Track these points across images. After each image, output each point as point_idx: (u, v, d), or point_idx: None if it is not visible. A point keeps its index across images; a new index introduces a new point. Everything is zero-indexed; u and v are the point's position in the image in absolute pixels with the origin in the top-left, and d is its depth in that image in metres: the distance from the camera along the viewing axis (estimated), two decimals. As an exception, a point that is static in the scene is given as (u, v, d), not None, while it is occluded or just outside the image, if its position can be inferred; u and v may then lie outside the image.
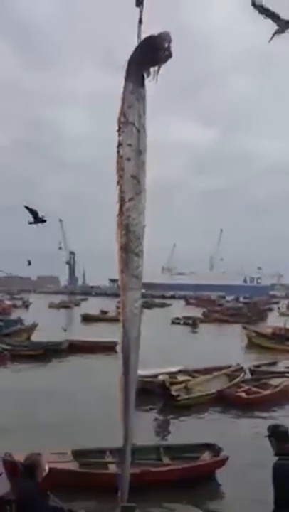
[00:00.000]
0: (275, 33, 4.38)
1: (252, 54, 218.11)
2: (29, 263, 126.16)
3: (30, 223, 22.00)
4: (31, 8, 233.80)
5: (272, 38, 4.52)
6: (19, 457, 7.56)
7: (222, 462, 9.18)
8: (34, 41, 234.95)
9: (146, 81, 3.98)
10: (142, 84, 3.97)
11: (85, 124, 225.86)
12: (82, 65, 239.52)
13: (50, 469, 5.07)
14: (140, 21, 4.05)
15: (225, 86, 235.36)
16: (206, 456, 9.25)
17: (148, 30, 4.00)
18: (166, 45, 3.76)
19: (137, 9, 4.06)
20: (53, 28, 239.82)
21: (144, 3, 4.05)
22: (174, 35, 3.78)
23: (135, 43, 4.01)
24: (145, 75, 3.95)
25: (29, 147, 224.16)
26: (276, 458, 4.83)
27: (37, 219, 21.85)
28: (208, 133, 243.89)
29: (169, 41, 3.76)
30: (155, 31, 3.92)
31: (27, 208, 21.94)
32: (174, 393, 14.14)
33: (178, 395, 14.21)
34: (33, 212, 21.79)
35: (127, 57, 3.97)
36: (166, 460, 9.35)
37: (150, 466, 8.67)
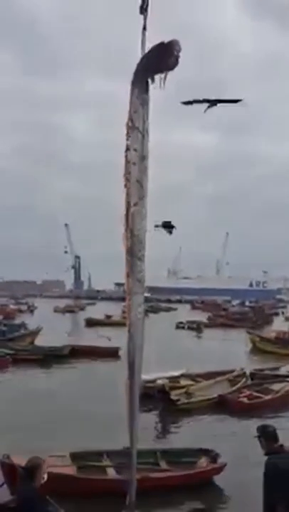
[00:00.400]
0: (208, 107, 4.66)
1: (258, 58, 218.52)
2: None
3: (157, 226, 21.78)
4: (36, 13, 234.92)
5: (206, 110, 4.81)
6: (17, 459, 7.58)
7: (220, 469, 9.16)
8: (38, 46, 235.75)
9: (152, 87, 4.02)
10: (147, 90, 4.03)
11: (92, 128, 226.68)
12: (87, 70, 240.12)
13: (49, 473, 5.05)
14: (144, 28, 4.11)
15: (230, 90, 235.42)
16: (203, 462, 9.21)
17: (152, 36, 4.07)
18: (176, 53, 3.81)
19: (141, 16, 4.11)
20: (57, 32, 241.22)
21: (148, 10, 4.10)
22: (180, 39, 3.86)
23: (139, 49, 4.08)
24: (150, 81, 4.00)
25: (35, 151, 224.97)
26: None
27: (167, 226, 21.60)
28: (214, 136, 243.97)
29: (179, 50, 3.82)
30: (160, 38, 3.97)
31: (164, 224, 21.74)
32: (173, 397, 14.11)
33: (177, 400, 14.17)
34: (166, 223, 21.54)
35: (136, 63, 4.03)
36: (163, 464, 9.34)
37: (149, 472, 8.63)
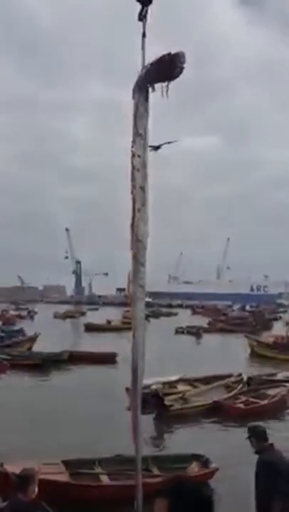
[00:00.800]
0: (152, 149, 4.81)
1: (258, 63, 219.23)
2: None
3: None
4: (36, 19, 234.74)
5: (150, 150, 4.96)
6: (11, 467, 7.60)
7: (211, 474, 9.18)
8: (39, 52, 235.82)
9: (153, 95, 4.10)
10: (147, 98, 4.11)
11: (93, 134, 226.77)
12: (88, 76, 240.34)
13: (43, 480, 5.08)
14: (144, 35, 4.15)
15: (232, 94, 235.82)
16: (194, 467, 9.22)
17: (153, 42, 4.14)
18: (180, 65, 3.86)
19: (140, 23, 4.15)
20: (57, 38, 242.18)
21: (147, 17, 4.13)
22: (179, 41, 3.90)
23: (139, 55, 4.14)
24: (150, 90, 4.06)
25: (37, 158, 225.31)
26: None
27: None
28: (215, 141, 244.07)
29: (184, 61, 3.87)
30: (160, 44, 4.07)
31: None
32: (166, 403, 14.06)
33: (171, 405, 14.14)
34: None
35: (136, 70, 4.10)
36: (154, 471, 9.32)
37: (144, 478, 8.62)
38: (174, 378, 16.82)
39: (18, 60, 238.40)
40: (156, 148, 4.71)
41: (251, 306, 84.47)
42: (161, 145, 4.64)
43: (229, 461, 9.77)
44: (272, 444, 5.21)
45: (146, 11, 4.13)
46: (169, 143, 4.59)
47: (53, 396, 16.70)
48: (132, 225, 4.09)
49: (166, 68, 3.88)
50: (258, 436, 5.24)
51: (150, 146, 4.43)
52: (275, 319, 63.21)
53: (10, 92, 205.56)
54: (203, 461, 9.38)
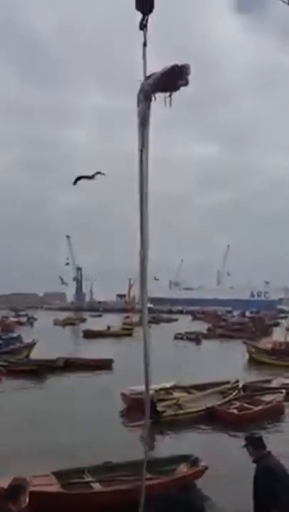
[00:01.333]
0: (86, 178, 4.78)
1: (256, 70, 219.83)
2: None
3: None
4: (37, 28, 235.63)
5: (84, 176, 4.88)
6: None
7: (201, 472, 9.36)
8: (38, 59, 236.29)
9: (157, 104, 4.17)
10: (149, 107, 4.19)
11: (93, 141, 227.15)
12: (88, 84, 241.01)
13: (36, 493, 5.02)
14: (144, 44, 4.20)
15: (230, 101, 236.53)
16: (183, 468, 9.29)
17: (153, 51, 4.20)
18: (186, 76, 3.95)
19: (142, 32, 4.19)
20: (57, 46, 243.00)
21: (148, 26, 4.17)
22: (180, 54, 3.96)
23: (140, 63, 4.20)
24: (153, 99, 4.14)
25: (37, 164, 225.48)
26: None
27: None
28: (215, 148, 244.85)
29: (189, 73, 3.96)
30: (161, 54, 4.29)
31: None
32: (159, 409, 14.04)
33: (163, 411, 14.12)
34: None
35: (138, 78, 4.17)
36: (145, 474, 9.29)
37: (131, 483, 8.61)
38: (168, 385, 16.82)
39: (17, 66, 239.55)
40: (76, 180, 4.78)
41: (251, 312, 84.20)
42: (82, 177, 4.73)
43: (222, 466, 9.90)
44: (269, 452, 5.20)
45: (147, 20, 4.16)
46: (88, 178, 4.68)
47: (46, 400, 16.85)
48: (142, 233, 4.18)
49: (174, 79, 3.96)
50: (254, 445, 5.22)
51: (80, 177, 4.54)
52: (276, 325, 62.95)
53: (10, 98, 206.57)
54: (192, 460, 9.49)
